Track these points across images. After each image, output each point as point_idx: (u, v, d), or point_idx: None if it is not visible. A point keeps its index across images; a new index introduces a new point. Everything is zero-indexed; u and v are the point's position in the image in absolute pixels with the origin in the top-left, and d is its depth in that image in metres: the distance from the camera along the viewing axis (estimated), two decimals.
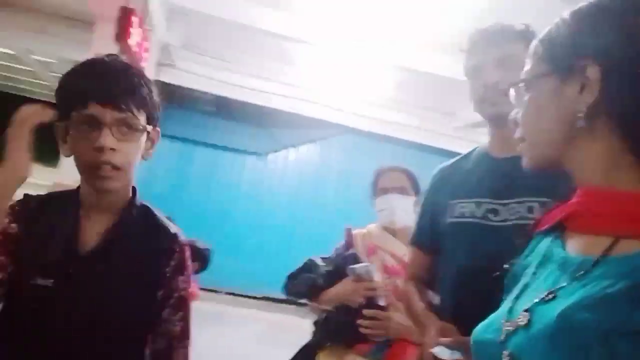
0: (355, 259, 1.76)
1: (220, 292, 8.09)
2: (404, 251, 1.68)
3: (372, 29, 5.53)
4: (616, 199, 0.59)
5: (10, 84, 11.98)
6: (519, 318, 0.60)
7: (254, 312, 7.03)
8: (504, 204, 1.15)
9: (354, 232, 1.91)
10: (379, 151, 8.75)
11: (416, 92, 7.24)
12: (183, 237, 1.13)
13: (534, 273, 0.67)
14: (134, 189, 1.14)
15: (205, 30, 6.84)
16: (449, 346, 0.89)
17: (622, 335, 0.49)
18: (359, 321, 1.60)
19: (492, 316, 0.69)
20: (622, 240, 0.56)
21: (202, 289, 7.94)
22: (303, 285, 1.82)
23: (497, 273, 0.80)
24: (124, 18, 4.25)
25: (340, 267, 1.75)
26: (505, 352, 0.59)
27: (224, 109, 8.87)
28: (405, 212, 1.77)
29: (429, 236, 1.34)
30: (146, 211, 1.15)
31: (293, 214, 8.51)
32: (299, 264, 1.91)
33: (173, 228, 1.12)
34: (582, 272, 0.57)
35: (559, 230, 0.67)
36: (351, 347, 1.66)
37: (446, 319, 1.17)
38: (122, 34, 4.24)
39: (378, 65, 6.31)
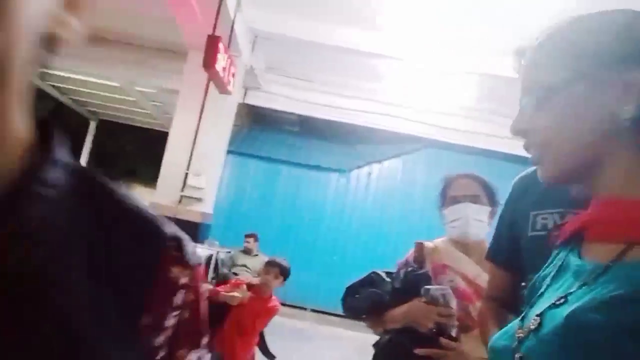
0: (428, 280, 1.56)
1: (306, 309, 8.18)
2: (477, 272, 1.53)
3: (453, 38, 5.40)
4: (630, 206, 0.60)
5: (117, 113, 13.18)
6: (530, 323, 0.61)
7: (340, 331, 6.99)
8: None
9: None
10: (463, 163, 8.44)
11: (499, 99, 6.93)
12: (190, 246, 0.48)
13: (552, 281, 0.68)
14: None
15: (289, 53, 7.08)
16: None
17: (630, 335, 0.50)
18: (421, 350, 1.42)
19: (509, 325, 0.70)
20: (635, 247, 0.57)
21: (287, 305, 8.13)
22: (367, 300, 1.61)
23: None
24: (211, 46, 4.50)
25: (411, 286, 1.55)
26: (517, 356, 0.60)
27: (307, 128, 9.09)
28: (479, 223, 1.59)
29: (507, 251, 1.23)
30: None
31: (378, 229, 8.43)
32: (361, 278, 1.70)
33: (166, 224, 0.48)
34: (593, 277, 0.58)
35: (577, 240, 0.68)
36: None
37: None
38: (209, 61, 4.50)
39: (460, 74, 6.14)
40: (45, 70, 9.81)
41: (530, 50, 0.67)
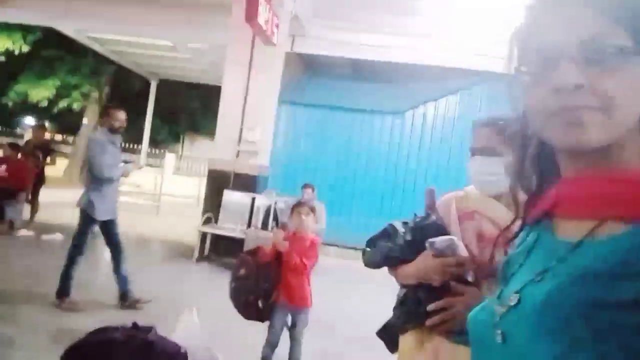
0: (437, 229, 1.49)
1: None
2: (507, 218, 1.47)
3: None
4: (601, 183, 0.60)
5: (175, 72, 13.55)
6: (510, 299, 0.63)
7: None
8: None
9: (448, 195, 1.62)
10: None
11: None
12: None
13: (525, 258, 0.69)
14: None
15: None
16: None
17: (605, 308, 0.52)
18: (431, 306, 1.38)
19: (488, 300, 0.71)
20: (606, 223, 0.58)
21: (349, 247, 8.33)
22: (379, 254, 1.57)
23: None
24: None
25: (419, 237, 1.49)
26: (498, 331, 0.62)
27: (359, 71, 8.92)
28: (492, 177, 1.46)
29: None
30: None
31: (436, 170, 8.31)
32: (381, 230, 1.63)
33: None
34: (566, 253, 0.60)
35: (547, 218, 0.68)
36: (434, 329, 1.44)
37: None
38: (250, 13, 4.49)
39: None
40: (103, 37, 10.18)
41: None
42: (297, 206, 3.26)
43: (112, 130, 4.24)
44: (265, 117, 6.56)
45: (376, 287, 6.01)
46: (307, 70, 9.59)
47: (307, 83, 9.17)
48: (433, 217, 1.55)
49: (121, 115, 4.26)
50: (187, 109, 21.39)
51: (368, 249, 1.66)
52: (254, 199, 6.31)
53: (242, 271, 3.00)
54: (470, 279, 1.43)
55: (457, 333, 1.41)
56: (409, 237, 1.55)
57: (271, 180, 7.12)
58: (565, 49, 0.58)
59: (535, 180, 0.72)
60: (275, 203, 6.16)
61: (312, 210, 3.23)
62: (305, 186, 6.42)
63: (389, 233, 1.62)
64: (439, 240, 1.42)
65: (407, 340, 1.57)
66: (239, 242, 5.93)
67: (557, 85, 0.58)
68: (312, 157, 8.53)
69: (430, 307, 1.39)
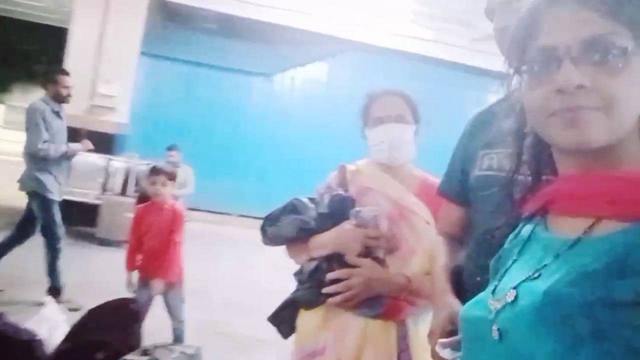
0: (354, 203, 1.48)
1: (232, 215, 8.21)
2: (402, 193, 1.46)
3: None
4: (597, 181, 0.61)
5: (8, 7, 11.55)
6: (506, 295, 0.63)
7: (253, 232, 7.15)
8: None
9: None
10: (392, 68, 8.40)
11: (429, 1, 6.77)
12: None
13: (519, 253, 0.69)
14: None
15: None
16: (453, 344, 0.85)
17: (604, 307, 0.52)
18: (331, 274, 1.39)
19: (480, 295, 0.71)
20: (602, 221, 0.59)
21: (213, 212, 8.11)
22: (291, 227, 1.51)
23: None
24: None
25: (338, 209, 1.47)
26: (495, 327, 0.62)
27: (227, 27, 8.46)
28: (407, 144, 1.49)
29: (460, 187, 1.22)
30: None
31: (302, 135, 8.39)
32: (281, 206, 1.58)
33: None
34: (563, 250, 0.60)
35: (542, 214, 0.69)
36: (342, 305, 1.42)
37: (468, 276, 1.11)
38: None
39: None
40: None
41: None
42: (153, 174, 2.94)
43: (58, 99, 3.64)
44: (124, 69, 5.91)
45: (245, 253, 5.96)
46: (171, 20, 8.84)
47: (171, 35, 8.46)
48: (349, 192, 1.52)
49: (69, 82, 3.65)
50: (25, 52, 18.49)
51: (271, 226, 1.56)
52: (109, 161, 5.70)
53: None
54: (381, 255, 1.43)
55: (365, 307, 1.40)
56: (325, 210, 1.51)
57: (131, 141, 6.50)
58: (568, 50, 0.59)
59: (531, 176, 0.72)
60: (137, 166, 5.65)
61: (171, 177, 2.95)
62: (169, 148, 6.00)
63: (295, 207, 1.56)
64: (365, 210, 1.41)
65: (309, 319, 1.51)
66: (93, 209, 5.35)
67: (559, 85, 0.58)
68: (176, 116, 7.99)
69: (330, 275, 1.37)
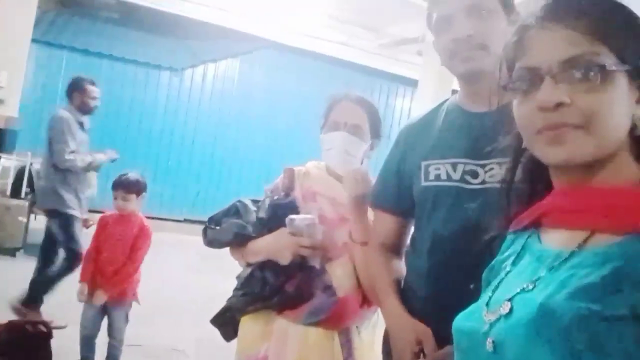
0: (294, 209, 1.46)
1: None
2: (346, 199, 1.43)
3: None
4: (591, 194, 0.63)
5: None
6: (501, 307, 0.63)
7: (180, 237, 6.85)
8: (482, 165, 1.04)
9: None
10: (304, 68, 8.46)
11: (342, 6, 6.91)
12: None
13: (513, 264, 0.70)
14: None
15: None
16: None
17: (600, 320, 0.53)
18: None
19: (473, 306, 0.71)
20: (596, 234, 0.60)
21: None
22: (228, 231, 1.48)
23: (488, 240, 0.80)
24: None
25: (276, 215, 1.45)
26: (489, 340, 0.62)
27: (129, 16, 7.94)
28: (351, 158, 1.46)
29: (397, 199, 1.23)
30: None
31: (214, 133, 8.15)
32: (225, 206, 1.56)
33: None
34: (558, 263, 0.61)
35: (535, 227, 0.70)
36: (280, 312, 1.41)
37: (420, 289, 1.14)
38: None
39: None
40: None
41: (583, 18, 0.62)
42: (113, 188, 2.70)
43: (83, 110, 3.40)
44: (13, 57, 5.32)
45: (158, 256, 5.64)
46: (66, 6, 8.11)
47: (66, 22, 7.76)
48: (291, 197, 1.49)
49: (97, 92, 3.42)
50: None
51: (213, 227, 1.52)
52: None
53: None
54: (317, 265, 1.40)
55: (307, 314, 1.39)
56: (263, 215, 1.49)
57: (23, 136, 5.87)
58: (549, 69, 0.61)
59: (526, 190, 0.74)
60: (31, 165, 5.11)
61: (132, 189, 2.68)
62: None
63: (237, 210, 1.53)
64: (300, 218, 1.38)
65: (249, 324, 1.48)
66: None
67: (539, 102, 0.61)
68: None
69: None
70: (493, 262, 0.77)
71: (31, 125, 6.88)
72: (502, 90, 0.69)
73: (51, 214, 3.46)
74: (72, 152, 3.37)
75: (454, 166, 1.09)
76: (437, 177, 1.11)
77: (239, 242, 1.48)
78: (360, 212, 1.38)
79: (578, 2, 0.63)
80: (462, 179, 1.07)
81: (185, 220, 7.91)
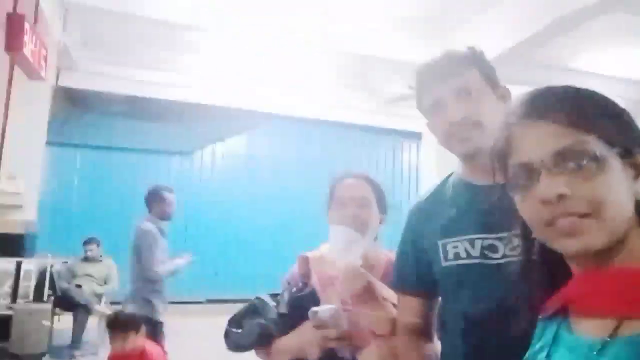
0: (315, 298, 1.39)
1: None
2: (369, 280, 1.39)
3: (276, 8, 5.31)
4: (614, 280, 0.62)
5: None
6: None
7: (203, 319, 6.73)
8: (501, 238, 1.02)
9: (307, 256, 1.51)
10: (308, 135, 8.63)
11: (339, 71, 7.14)
12: None
13: (547, 357, 0.68)
14: None
15: (107, 28, 6.23)
16: None
17: None
18: None
19: None
20: (626, 321, 0.59)
21: None
22: (251, 335, 1.42)
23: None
24: (14, 25, 3.69)
25: (297, 308, 1.38)
26: None
27: (137, 109, 8.26)
28: (353, 252, 1.38)
29: (417, 278, 1.21)
30: None
31: (228, 210, 8.21)
32: (244, 306, 1.49)
33: None
34: (592, 356, 0.60)
35: (564, 313, 0.69)
36: None
37: None
38: (13, 44, 3.70)
39: (294, 47, 6.09)
40: None
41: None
42: (108, 330, 2.64)
43: (164, 217, 3.61)
44: (30, 162, 5.48)
45: (185, 344, 5.53)
46: (76, 107, 8.47)
47: (77, 121, 8.08)
48: (309, 288, 1.43)
49: (174, 199, 3.65)
50: None
51: (234, 330, 1.46)
52: (19, 264, 5.13)
53: None
54: (347, 355, 1.33)
55: None
56: (284, 310, 1.43)
57: (42, 238, 5.94)
58: (543, 163, 0.62)
59: (546, 279, 0.72)
60: (51, 267, 5.14)
61: (132, 326, 2.63)
62: (87, 241, 5.56)
63: (257, 308, 1.47)
64: (322, 310, 1.31)
65: None
66: (4, 321, 4.72)
67: (541, 197, 0.62)
68: (90, 206, 7.48)
69: None
70: (527, 355, 0.75)
71: (50, 227, 7.00)
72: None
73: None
74: (161, 261, 3.55)
75: (472, 242, 1.07)
76: (457, 256, 1.09)
77: (263, 342, 1.43)
78: (369, 306, 1.33)
79: (555, 97, 0.66)
80: (483, 255, 1.05)
81: (208, 301, 7.81)
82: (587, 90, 0.67)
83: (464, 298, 1.08)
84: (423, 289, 1.20)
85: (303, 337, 1.35)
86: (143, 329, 2.68)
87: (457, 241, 1.09)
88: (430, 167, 5.63)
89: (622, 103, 0.68)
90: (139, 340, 2.63)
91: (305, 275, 1.47)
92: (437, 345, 1.23)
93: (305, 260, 1.49)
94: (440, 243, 1.12)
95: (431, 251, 1.14)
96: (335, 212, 1.47)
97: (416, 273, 1.20)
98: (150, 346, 2.70)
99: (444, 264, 1.11)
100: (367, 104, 8.20)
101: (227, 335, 1.48)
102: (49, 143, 6.48)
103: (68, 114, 8.15)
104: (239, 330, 1.45)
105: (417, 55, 6.06)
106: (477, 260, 1.06)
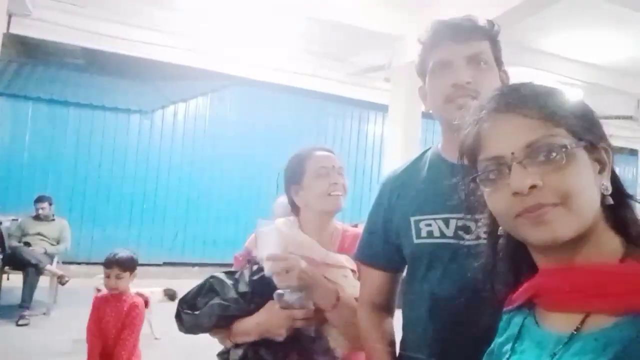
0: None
1: None
2: (323, 254, 1.41)
3: None
4: (580, 275, 0.63)
5: None
6: None
7: (159, 282, 6.66)
8: (475, 220, 1.00)
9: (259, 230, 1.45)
10: (273, 101, 8.50)
11: (309, 38, 7.01)
12: None
13: (512, 350, 0.70)
14: None
15: None
16: None
17: None
18: None
19: None
20: (592, 315, 0.60)
21: (91, 263, 7.38)
22: (211, 316, 1.37)
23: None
24: None
25: (259, 288, 1.37)
26: None
27: (95, 63, 7.90)
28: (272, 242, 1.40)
29: (385, 255, 1.19)
30: None
31: (188, 173, 8.06)
32: (197, 286, 1.43)
33: None
34: (559, 349, 0.61)
35: (530, 306, 0.70)
36: None
37: (421, 352, 1.09)
38: None
39: (267, 11, 5.93)
40: None
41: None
42: (105, 267, 2.62)
43: None
44: None
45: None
46: (30, 57, 8.02)
47: (31, 73, 7.66)
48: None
49: None
50: None
51: (187, 311, 1.40)
52: None
53: None
54: (312, 334, 1.34)
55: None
56: (245, 289, 1.39)
57: None
58: (512, 155, 0.64)
59: (511, 271, 0.74)
60: (0, 223, 4.94)
61: (127, 267, 2.60)
62: (38, 200, 5.35)
63: (212, 287, 1.42)
64: (288, 293, 1.30)
65: None
66: None
67: (513, 189, 0.63)
68: (43, 162, 7.18)
69: None
70: (492, 346, 0.76)
71: None
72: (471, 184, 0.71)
73: None
74: None
75: (447, 222, 1.06)
76: (430, 234, 1.08)
77: (222, 324, 1.38)
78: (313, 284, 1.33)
79: (526, 92, 0.67)
80: (456, 235, 1.04)
81: (165, 264, 7.74)
82: (556, 88, 0.69)
83: (432, 278, 1.07)
84: (390, 263, 1.19)
85: (270, 318, 1.33)
86: (136, 273, 2.66)
87: (432, 219, 1.08)
88: (396, 140, 5.65)
89: (582, 86, 0.69)
90: (130, 282, 2.65)
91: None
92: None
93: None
94: (412, 219, 1.10)
95: (402, 227, 1.12)
96: (318, 182, 1.46)
97: (385, 247, 1.18)
98: (136, 295, 2.69)
99: (416, 241, 1.10)
100: (336, 73, 8.11)
101: (178, 316, 1.42)
102: None
103: (21, 65, 7.71)
104: (196, 312, 1.39)
105: (391, 28, 6.02)
106: (450, 241, 1.05)
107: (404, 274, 1.21)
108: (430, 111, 1.15)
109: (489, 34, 1.10)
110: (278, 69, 7.72)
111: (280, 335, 1.32)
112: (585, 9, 5.14)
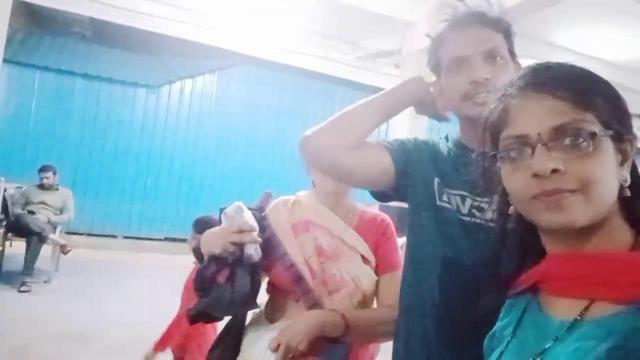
0: (275, 240, 1.41)
1: (117, 237, 7.60)
2: (342, 230, 1.42)
3: None
4: (588, 262, 0.63)
5: None
6: None
7: (160, 257, 6.72)
8: (488, 203, 1.02)
9: (278, 200, 1.51)
10: (281, 82, 8.46)
11: (320, 20, 6.94)
12: None
13: (513, 333, 0.70)
14: None
15: None
16: None
17: None
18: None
19: None
20: (596, 303, 0.60)
21: (94, 234, 7.42)
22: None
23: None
24: None
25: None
26: None
27: (103, 34, 7.83)
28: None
29: (404, 157, 1.16)
30: None
31: (192, 150, 8.06)
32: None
33: None
34: (562, 333, 0.61)
35: (534, 291, 0.70)
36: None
37: (427, 319, 1.11)
38: None
39: None
40: None
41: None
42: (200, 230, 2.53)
43: None
44: None
45: (139, 279, 5.53)
46: (38, 26, 7.96)
47: (38, 41, 7.61)
48: (269, 231, 1.43)
49: None
50: None
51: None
52: None
53: None
54: (251, 252, 1.32)
55: (324, 357, 1.31)
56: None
57: None
58: (540, 137, 0.62)
59: (517, 255, 0.73)
60: (4, 190, 4.96)
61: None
62: (42, 169, 5.36)
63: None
64: (229, 207, 1.35)
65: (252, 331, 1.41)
66: None
67: (534, 170, 0.62)
68: (48, 132, 7.18)
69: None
70: (494, 329, 0.76)
71: (4, 150, 6.72)
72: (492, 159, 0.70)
73: None
74: None
75: (463, 199, 1.09)
76: (448, 201, 1.10)
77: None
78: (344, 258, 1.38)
79: (558, 73, 0.65)
80: (471, 213, 1.07)
81: (166, 239, 7.79)
82: (589, 70, 0.66)
83: (444, 246, 1.08)
84: (398, 165, 1.14)
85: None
86: None
87: (450, 194, 1.10)
88: (403, 126, 5.63)
89: None
90: None
91: (261, 208, 1.48)
92: None
93: (267, 197, 1.52)
94: (436, 180, 1.11)
95: (427, 182, 1.12)
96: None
97: (405, 160, 1.15)
98: None
99: (439, 202, 1.10)
100: (346, 56, 8.05)
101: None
102: (5, 60, 6.11)
103: (29, 33, 7.66)
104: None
105: (403, 13, 5.95)
106: (464, 218, 1.07)
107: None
108: (446, 107, 1.15)
109: (502, 27, 1.09)
110: (287, 50, 7.66)
111: (218, 247, 1.29)
112: (601, 5, 5.07)
